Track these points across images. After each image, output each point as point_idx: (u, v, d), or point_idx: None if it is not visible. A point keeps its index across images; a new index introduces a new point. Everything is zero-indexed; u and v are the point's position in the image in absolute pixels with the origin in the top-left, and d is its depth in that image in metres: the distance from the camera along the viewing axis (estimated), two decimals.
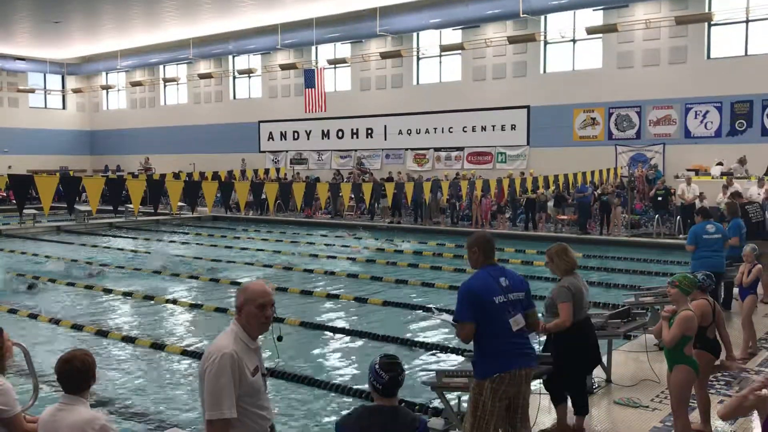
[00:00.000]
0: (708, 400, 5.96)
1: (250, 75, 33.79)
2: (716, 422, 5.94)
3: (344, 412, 3.82)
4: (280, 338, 3.79)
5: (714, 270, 9.26)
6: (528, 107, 25.86)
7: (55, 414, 3.57)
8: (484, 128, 26.93)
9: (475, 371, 4.50)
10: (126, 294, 12.64)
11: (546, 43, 25.68)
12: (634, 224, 20.99)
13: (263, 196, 17.92)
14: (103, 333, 9.84)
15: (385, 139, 29.81)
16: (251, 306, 3.41)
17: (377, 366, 3.35)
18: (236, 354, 3.27)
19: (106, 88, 39.76)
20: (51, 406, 3.66)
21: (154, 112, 38.59)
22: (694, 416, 5.85)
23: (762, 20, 21.75)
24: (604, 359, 7.15)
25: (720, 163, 21.17)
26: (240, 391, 3.24)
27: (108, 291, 12.93)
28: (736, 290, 10.65)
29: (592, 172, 20.89)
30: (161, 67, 37.46)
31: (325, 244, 19.89)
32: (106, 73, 40.05)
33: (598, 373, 7.08)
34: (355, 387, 7.42)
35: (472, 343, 4.52)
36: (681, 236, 17.75)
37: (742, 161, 20.81)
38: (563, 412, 5.80)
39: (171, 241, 21.04)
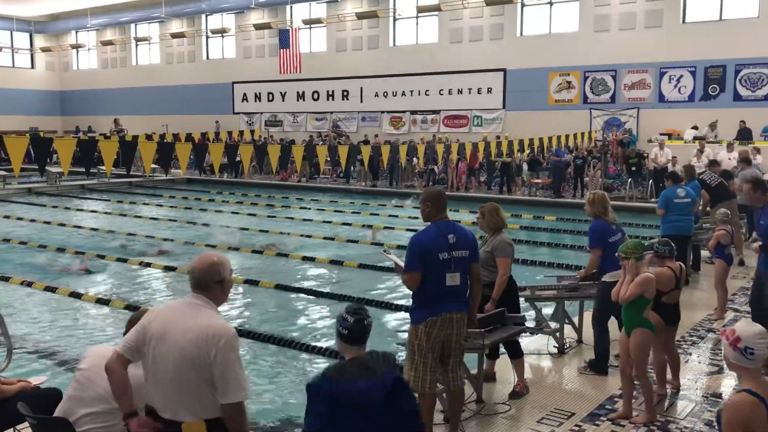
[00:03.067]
0: (677, 358, 6.12)
1: (224, 35, 33.24)
2: (681, 380, 6.11)
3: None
4: None
5: (684, 233, 9.51)
6: (504, 70, 25.81)
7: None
8: (460, 91, 26.86)
9: (411, 317, 4.78)
10: (99, 255, 12.57)
11: (523, 5, 25.55)
12: (607, 188, 21.17)
13: (237, 159, 17.81)
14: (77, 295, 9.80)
15: (361, 102, 29.62)
16: (229, 277, 3.43)
17: (343, 311, 3.29)
18: None
19: (76, 47, 38.84)
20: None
21: (125, 72, 37.86)
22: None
23: None
24: (576, 320, 7.31)
25: (695, 127, 21.41)
26: None
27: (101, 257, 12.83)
28: (704, 252, 10.95)
29: (567, 136, 20.99)
30: (133, 26, 36.66)
31: (300, 207, 19.87)
32: (76, 32, 39.09)
33: (569, 334, 7.23)
34: (328, 347, 7.49)
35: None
36: (653, 200, 17.98)
37: (712, 126, 21.07)
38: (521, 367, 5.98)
39: (144, 204, 20.86)
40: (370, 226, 15.61)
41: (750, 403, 2.98)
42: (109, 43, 36.70)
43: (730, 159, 17.18)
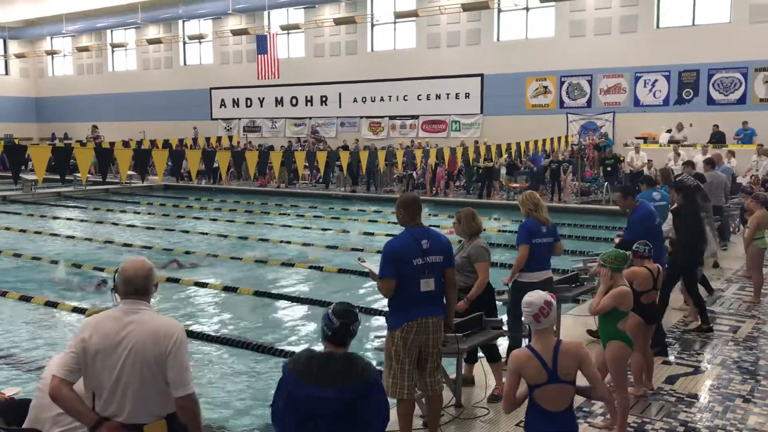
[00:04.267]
0: (651, 359, 6.17)
1: (201, 40, 33.11)
2: (657, 382, 6.18)
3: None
4: None
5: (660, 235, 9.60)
6: (482, 75, 25.96)
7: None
8: (438, 96, 26.97)
9: (388, 323, 4.79)
10: (75, 264, 12.44)
11: (499, 11, 25.72)
12: (584, 191, 21.39)
13: (215, 164, 17.71)
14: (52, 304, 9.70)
15: (340, 107, 29.64)
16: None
17: (330, 311, 3.25)
18: None
19: (51, 53, 38.46)
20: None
21: (101, 79, 37.56)
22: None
23: None
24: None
25: (669, 130, 21.68)
26: None
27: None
28: None
29: (544, 141, 21.15)
30: (109, 31, 36.40)
31: (279, 213, 19.82)
32: (51, 38, 38.74)
33: None
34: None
35: None
36: None
37: (679, 127, 21.45)
38: (498, 371, 5.99)
39: (122, 211, 20.69)
40: (348, 232, 15.62)
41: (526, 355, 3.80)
42: (85, 49, 36.39)
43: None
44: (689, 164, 12.82)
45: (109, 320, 3.34)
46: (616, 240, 8.19)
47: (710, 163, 12.72)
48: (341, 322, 3.21)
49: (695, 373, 6.48)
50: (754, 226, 9.04)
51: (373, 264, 5.01)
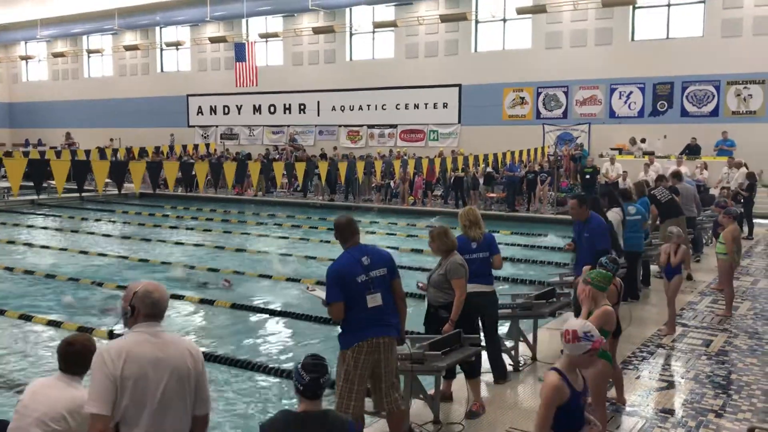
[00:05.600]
0: (620, 373, 6.25)
1: (178, 47, 32.93)
2: (631, 397, 6.27)
3: (268, 416, 3.81)
4: None
5: (635, 250, 9.76)
6: (459, 86, 26.14)
7: (51, 383, 3.62)
8: (416, 106, 27.11)
9: (340, 343, 4.87)
10: (49, 275, 12.30)
11: (477, 22, 25.94)
12: (560, 202, 21.56)
13: (193, 172, 17.62)
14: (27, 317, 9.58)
15: (318, 115, 29.66)
16: None
17: (300, 366, 3.34)
18: None
19: (26, 58, 38.04)
20: (43, 378, 3.70)
21: (77, 85, 37.21)
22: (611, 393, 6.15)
23: (682, 5, 22.54)
24: (530, 337, 7.42)
25: (633, 140, 22.05)
26: None
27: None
28: (653, 267, 11.22)
29: (521, 151, 21.32)
30: (84, 37, 36.07)
31: (257, 223, 19.75)
32: (25, 43, 38.30)
33: (524, 351, 7.34)
34: (285, 368, 7.47)
35: None
36: None
37: (632, 141, 21.90)
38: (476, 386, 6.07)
39: (97, 220, 20.49)
40: (328, 242, 15.61)
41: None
42: (61, 54, 36.06)
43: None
44: (662, 178, 13.00)
45: (141, 345, 3.23)
46: (566, 247, 8.51)
47: (677, 176, 12.91)
48: (311, 377, 3.30)
49: (668, 388, 6.58)
50: (730, 240, 9.16)
51: (322, 290, 5.06)
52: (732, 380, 6.78)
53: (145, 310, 3.33)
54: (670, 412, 6.00)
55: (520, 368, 7.09)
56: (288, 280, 12.12)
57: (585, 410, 3.85)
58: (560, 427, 3.55)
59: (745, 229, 15.49)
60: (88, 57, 36.54)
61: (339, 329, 4.95)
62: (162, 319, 3.41)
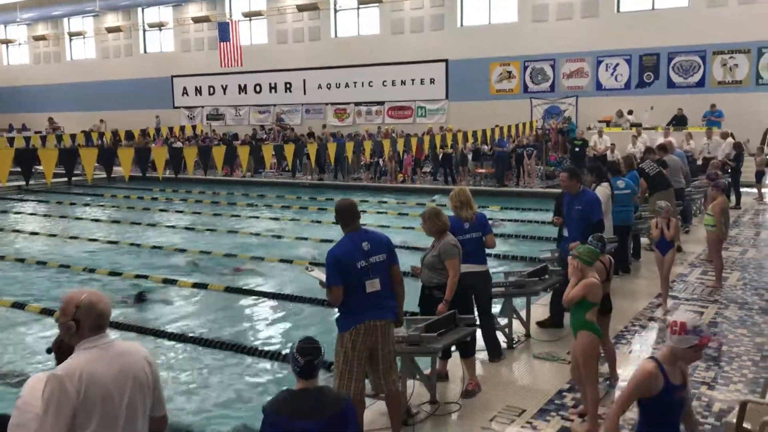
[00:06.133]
0: (612, 349, 6.33)
1: (161, 28, 32.56)
2: (624, 372, 6.35)
3: (269, 397, 3.87)
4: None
5: (625, 224, 9.82)
6: (446, 61, 26.02)
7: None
8: (403, 82, 26.99)
9: (338, 326, 4.91)
10: (40, 262, 12.26)
11: None
12: (548, 175, 21.61)
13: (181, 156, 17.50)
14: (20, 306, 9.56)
15: (305, 94, 29.49)
16: None
17: (295, 350, 3.47)
18: None
19: (6, 42, 37.51)
20: (42, 373, 3.24)
21: (59, 68, 36.77)
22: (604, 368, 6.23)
23: None
24: (523, 314, 7.48)
25: (620, 113, 22.08)
26: None
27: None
28: (644, 240, 11.32)
29: (509, 126, 21.30)
30: (66, 20, 35.59)
31: (246, 204, 19.72)
32: (5, 26, 37.74)
33: (518, 329, 7.41)
34: (279, 351, 7.51)
35: None
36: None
37: (619, 113, 21.95)
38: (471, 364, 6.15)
39: (86, 204, 20.39)
40: (319, 222, 15.62)
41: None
42: (42, 38, 35.58)
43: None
44: (650, 151, 13.05)
45: (98, 363, 3.05)
46: (555, 221, 8.42)
47: (663, 149, 12.96)
48: (306, 360, 3.44)
49: None
50: (718, 213, 9.23)
51: (321, 272, 5.08)
52: (723, 352, 6.88)
53: (91, 323, 3.06)
54: None
55: (515, 345, 7.15)
56: (281, 261, 12.13)
57: (687, 408, 3.73)
58: (653, 420, 3.50)
59: (733, 198, 15.62)
60: (70, 40, 36.08)
61: (336, 312, 4.98)
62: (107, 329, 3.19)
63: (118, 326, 8.57)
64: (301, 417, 3.32)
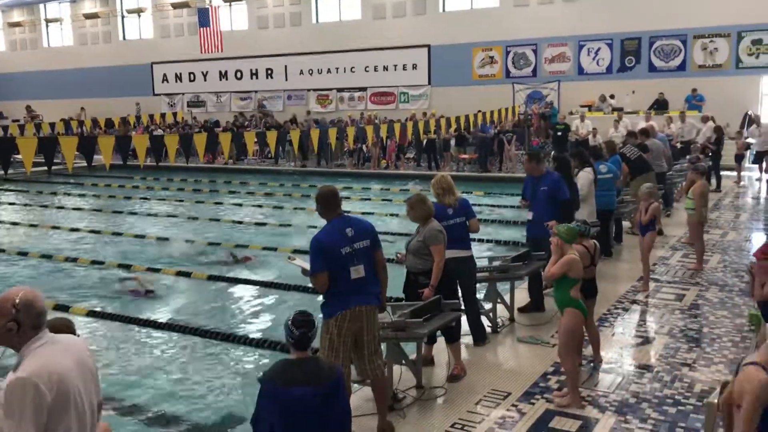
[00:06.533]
0: (597, 333, 6.40)
1: (140, 14, 32.17)
2: (607, 354, 6.42)
3: (254, 385, 3.92)
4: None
5: (608, 208, 9.89)
6: (428, 46, 25.95)
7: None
8: (386, 68, 26.89)
9: (323, 312, 4.92)
10: (21, 253, 12.15)
11: None
12: None
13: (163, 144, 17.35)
14: None
15: (286, 80, 29.30)
16: None
17: (290, 322, 3.64)
18: None
19: None
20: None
21: (36, 55, 36.21)
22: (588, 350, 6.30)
23: None
24: (507, 299, 7.53)
25: (603, 97, 22.16)
26: None
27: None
28: (625, 224, 11.42)
29: (492, 112, 21.31)
30: (42, 6, 35.03)
31: (229, 192, 19.62)
32: None
33: (502, 313, 7.46)
34: (266, 338, 7.51)
35: None
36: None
37: (602, 98, 22.04)
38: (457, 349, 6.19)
39: (67, 194, 20.19)
40: (303, 209, 15.58)
41: None
42: (17, 24, 35.03)
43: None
44: (632, 135, 13.13)
45: (58, 360, 2.98)
46: (521, 204, 8.33)
47: (645, 133, 13.04)
48: (300, 332, 3.62)
49: (644, 344, 6.74)
50: (698, 196, 9.31)
51: (304, 260, 5.08)
52: (704, 333, 6.97)
53: (32, 321, 2.98)
54: (646, 367, 6.15)
55: (499, 330, 7.20)
56: (264, 249, 12.09)
57: None
58: None
59: (714, 182, 15.77)
60: (47, 26, 35.55)
61: (321, 299, 4.98)
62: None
63: (104, 317, 8.54)
64: (297, 384, 3.45)
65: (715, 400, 4.41)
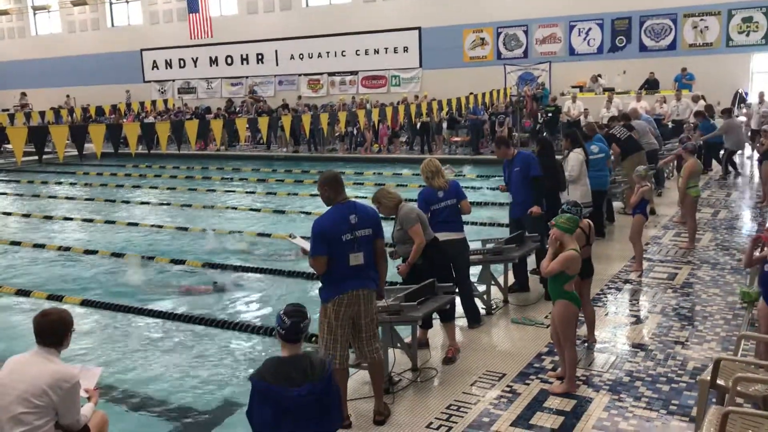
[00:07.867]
0: (592, 313, 6.43)
1: (129, 0, 31.88)
2: (601, 334, 6.47)
3: (251, 371, 3.94)
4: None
5: (600, 188, 9.92)
6: (419, 29, 25.83)
7: (29, 359, 3.80)
8: (377, 51, 26.78)
9: (320, 296, 4.95)
10: (14, 242, 12.12)
11: None
12: (523, 142, 21.68)
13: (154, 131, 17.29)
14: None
15: (277, 65, 29.14)
16: None
17: (282, 312, 3.56)
18: None
19: None
20: (18, 355, 3.87)
21: (24, 43, 35.87)
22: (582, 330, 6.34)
23: None
24: (501, 280, 7.56)
25: (595, 78, 22.16)
26: None
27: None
28: (617, 204, 11.47)
29: (483, 94, 21.27)
30: None
31: (222, 178, 19.57)
32: None
33: (496, 295, 7.50)
34: (261, 325, 7.53)
35: None
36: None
37: (594, 79, 22.03)
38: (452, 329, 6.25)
39: (58, 183, 20.11)
40: (296, 194, 15.55)
41: None
42: (4, 12, 34.66)
43: (639, 109, 17.82)
44: (614, 119, 13.13)
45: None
46: (501, 189, 8.37)
47: (626, 118, 12.97)
48: (292, 321, 3.53)
49: (637, 323, 6.79)
50: (686, 175, 9.37)
51: (304, 240, 5.08)
52: (696, 311, 7.03)
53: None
54: (640, 346, 6.21)
55: (493, 311, 7.25)
56: (259, 235, 12.10)
57: None
58: None
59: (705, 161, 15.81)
60: (34, 14, 35.22)
61: (319, 283, 5.00)
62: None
63: (95, 305, 8.54)
64: (290, 383, 3.38)
65: (708, 377, 4.46)
